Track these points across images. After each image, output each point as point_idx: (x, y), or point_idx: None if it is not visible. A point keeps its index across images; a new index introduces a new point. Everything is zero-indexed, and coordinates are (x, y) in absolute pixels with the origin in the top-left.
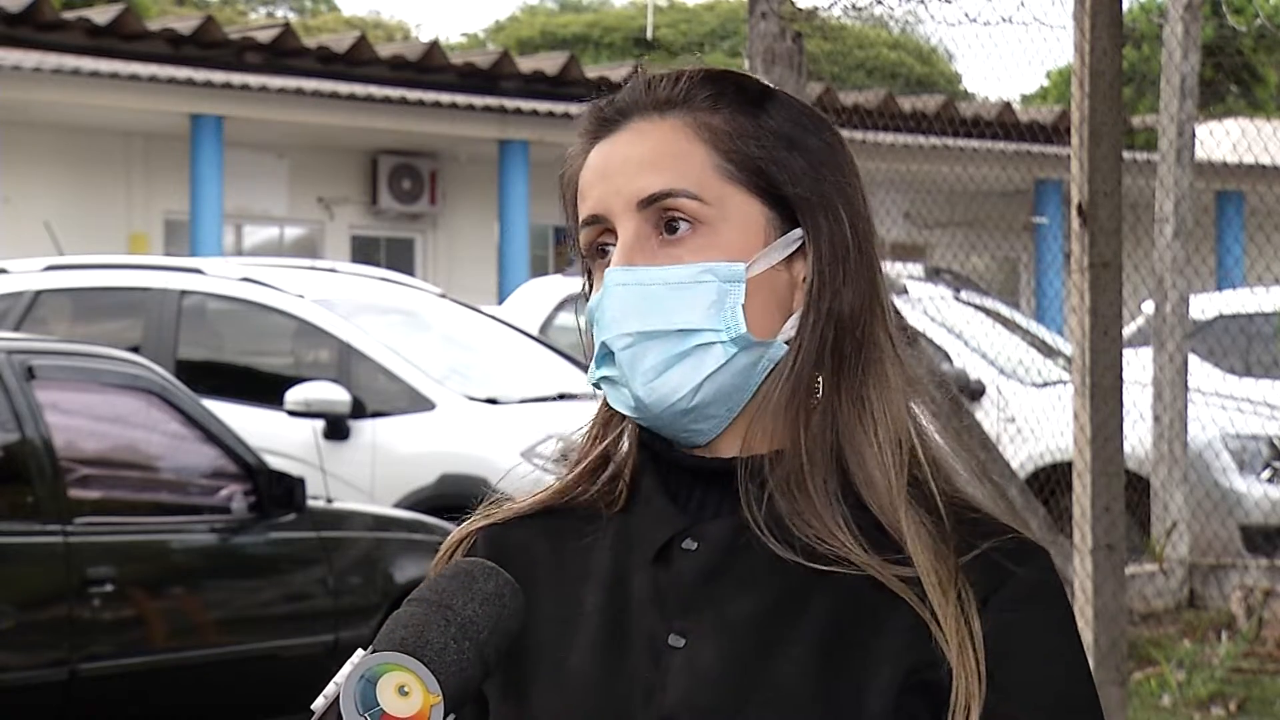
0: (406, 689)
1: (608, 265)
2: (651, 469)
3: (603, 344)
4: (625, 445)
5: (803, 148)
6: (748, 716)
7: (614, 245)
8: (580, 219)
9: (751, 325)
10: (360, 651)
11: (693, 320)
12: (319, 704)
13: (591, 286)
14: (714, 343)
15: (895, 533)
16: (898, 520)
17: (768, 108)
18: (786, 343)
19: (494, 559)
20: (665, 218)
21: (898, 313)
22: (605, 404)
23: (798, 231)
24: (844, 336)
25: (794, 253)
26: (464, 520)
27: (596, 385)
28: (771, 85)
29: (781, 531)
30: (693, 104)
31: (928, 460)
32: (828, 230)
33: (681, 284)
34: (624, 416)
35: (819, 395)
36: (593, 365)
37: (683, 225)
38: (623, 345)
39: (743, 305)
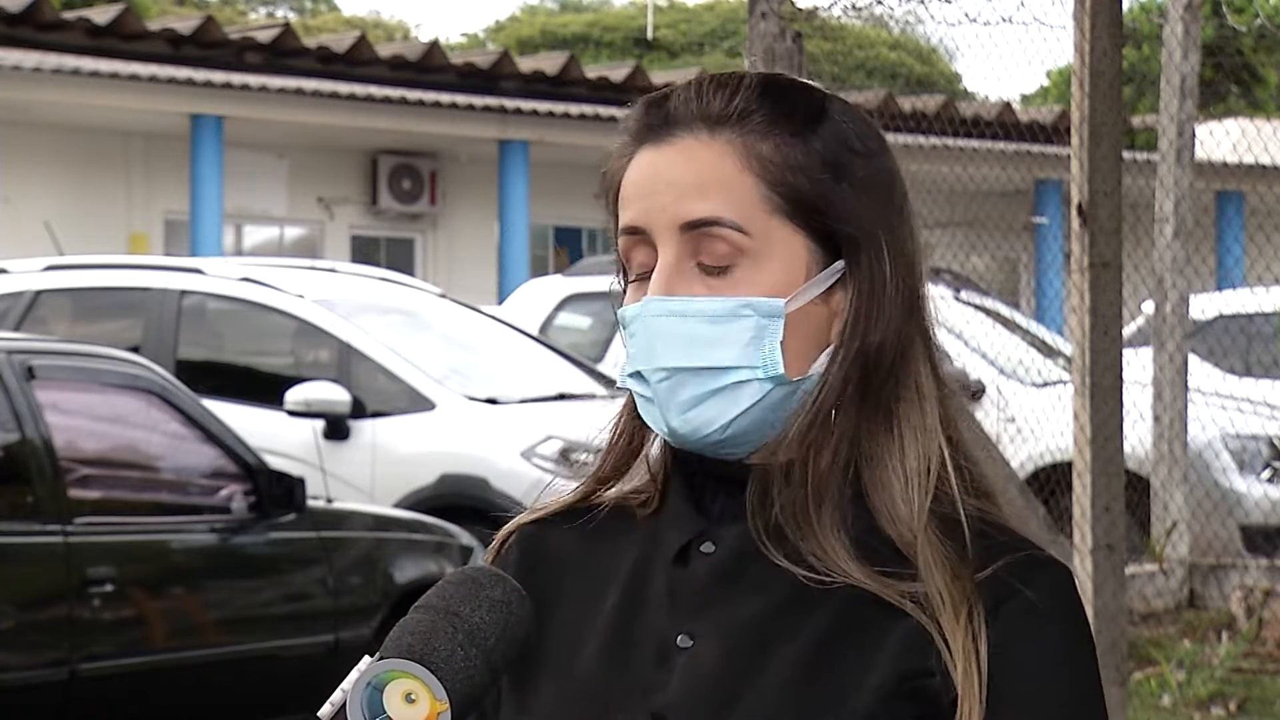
0: (413, 696)
1: (644, 276)
2: (679, 471)
3: (638, 371)
4: (656, 445)
5: (852, 178)
6: (734, 714)
7: (651, 258)
8: (621, 225)
9: (788, 361)
10: (367, 658)
11: (729, 358)
12: (325, 711)
13: (625, 286)
14: (750, 380)
15: (911, 556)
16: (915, 549)
17: (820, 130)
18: (818, 375)
19: (528, 561)
20: (708, 245)
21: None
22: (632, 400)
23: (839, 264)
24: (872, 372)
25: (835, 283)
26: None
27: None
28: (831, 96)
29: (785, 545)
30: (745, 125)
31: (961, 476)
32: (868, 266)
33: (719, 318)
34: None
35: (835, 424)
36: (624, 374)
37: (724, 255)
38: (658, 379)
39: (781, 343)
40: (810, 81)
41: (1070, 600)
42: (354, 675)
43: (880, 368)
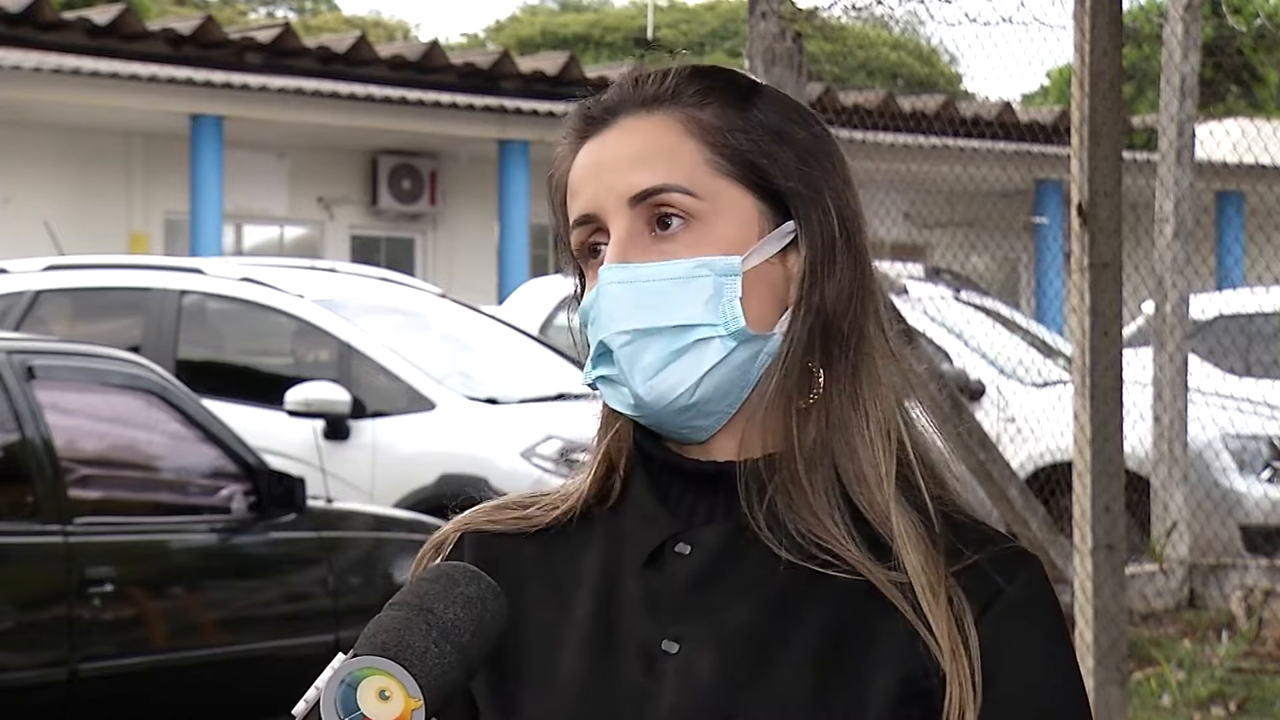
0: (387, 693)
1: (601, 264)
2: (643, 471)
3: (600, 343)
4: (614, 435)
5: (792, 140)
6: None
7: (606, 244)
8: (572, 219)
9: (749, 319)
10: (341, 655)
11: (691, 315)
12: (299, 708)
13: (583, 287)
14: (712, 337)
15: (885, 531)
16: (887, 517)
17: (756, 102)
18: (782, 335)
19: (481, 562)
20: (658, 213)
21: (896, 311)
22: (604, 407)
23: (790, 224)
24: (831, 330)
25: (788, 246)
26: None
27: (593, 385)
28: (758, 80)
29: (779, 533)
30: (681, 100)
31: (919, 460)
32: (817, 223)
33: (678, 279)
34: (618, 417)
35: (816, 392)
36: (589, 365)
37: (675, 220)
38: (621, 343)
39: (740, 299)
40: (731, 68)
41: (1049, 592)
42: (328, 673)
43: (839, 324)
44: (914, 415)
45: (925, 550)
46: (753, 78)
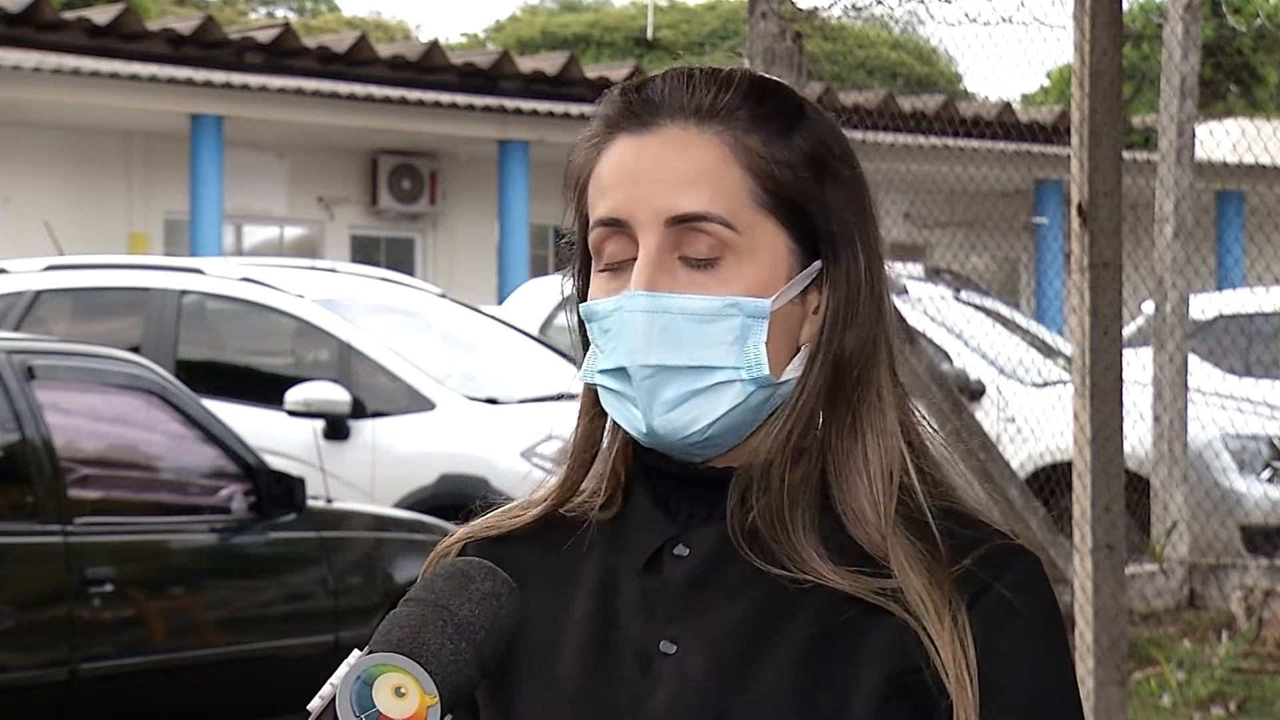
0: (403, 690)
1: (613, 268)
2: (642, 475)
3: (621, 367)
4: (615, 448)
5: (833, 179)
6: None
7: (626, 254)
8: (596, 215)
9: (769, 361)
10: (356, 652)
11: (714, 357)
12: (315, 705)
13: (587, 276)
14: (733, 381)
15: (884, 562)
16: (885, 552)
17: (802, 129)
18: (797, 380)
19: None
20: (692, 240)
21: (903, 322)
22: (589, 402)
23: (816, 264)
24: (844, 375)
25: (808, 285)
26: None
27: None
28: (806, 102)
29: (763, 549)
30: (732, 119)
31: (924, 478)
32: (845, 266)
33: (705, 316)
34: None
35: (817, 431)
36: (595, 370)
37: (709, 251)
38: (643, 376)
39: (765, 343)
40: (783, 81)
41: (1041, 588)
42: (343, 669)
43: (850, 371)
44: (918, 431)
45: (930, 572)
46: (802, 98)
